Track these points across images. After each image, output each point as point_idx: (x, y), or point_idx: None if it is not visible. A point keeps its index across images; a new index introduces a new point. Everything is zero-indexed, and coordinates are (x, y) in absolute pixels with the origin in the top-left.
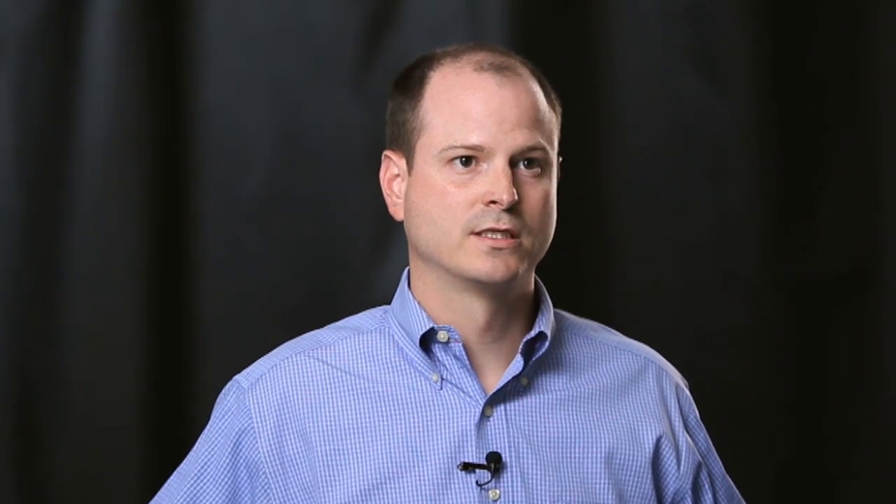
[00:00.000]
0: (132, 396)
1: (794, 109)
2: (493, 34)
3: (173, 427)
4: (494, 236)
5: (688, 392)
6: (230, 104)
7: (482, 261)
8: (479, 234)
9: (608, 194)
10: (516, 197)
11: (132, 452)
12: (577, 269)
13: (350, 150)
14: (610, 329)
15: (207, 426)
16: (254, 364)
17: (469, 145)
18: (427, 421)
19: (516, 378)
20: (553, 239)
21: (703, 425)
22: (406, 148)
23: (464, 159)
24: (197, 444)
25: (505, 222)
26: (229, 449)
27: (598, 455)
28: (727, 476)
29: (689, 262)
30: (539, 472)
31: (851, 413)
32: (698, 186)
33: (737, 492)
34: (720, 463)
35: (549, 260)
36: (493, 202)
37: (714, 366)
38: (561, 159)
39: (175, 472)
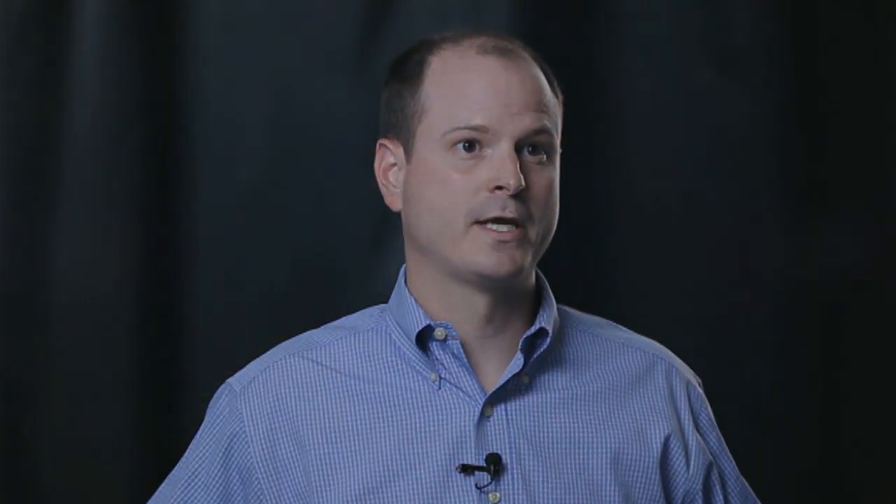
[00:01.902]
0: (122, 398)
1: (812, 100)
2: (498, 23)
3: (165, 430)
4: (500, 228)
5: (700, 390)
6: (225, 92)
7: (486, 255)
8: (483, 223)
9: (616, 187)
10: (524, 183)
11: (122, 456)
12: (584, 265)
13: (349, 139)
14: (619, 326)
15: (199, 431)
16: (246, 366)
17: (473, 126)
18: (425, 422)
19: (517, 376)
20: (560, 232)
21: (716, 424)
22: (405, 135)
23: (467, 144)
24: (188, 450)
25: (511, 210)
26: (221, 454)
27: (604, 456)
28: (741, 477)
29: (701, 257)
30: (541, 473)
31: (871, 413)
32: (712, 181)
33: (752, 493)
34: (734, 463)
35: (556, 255)
36: (499, 188)
37: (730, 365)
38: (560, 152)
39: (166, 480)
